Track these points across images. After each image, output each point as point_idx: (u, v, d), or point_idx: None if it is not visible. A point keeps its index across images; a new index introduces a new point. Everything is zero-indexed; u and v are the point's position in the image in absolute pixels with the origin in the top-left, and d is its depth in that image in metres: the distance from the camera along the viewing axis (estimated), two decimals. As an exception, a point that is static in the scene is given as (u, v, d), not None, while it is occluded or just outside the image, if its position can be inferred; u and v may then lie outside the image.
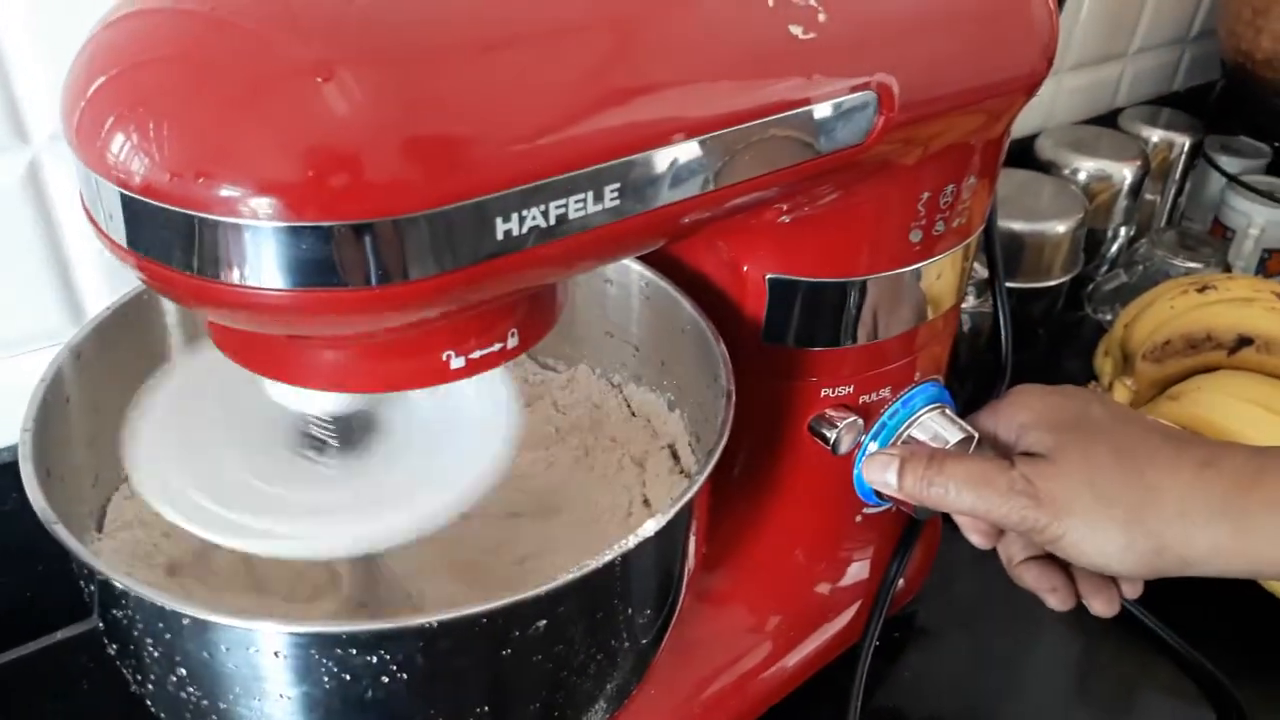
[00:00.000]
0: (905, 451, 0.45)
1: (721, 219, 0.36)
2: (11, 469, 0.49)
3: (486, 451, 0.35)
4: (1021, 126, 0.88)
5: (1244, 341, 0.64)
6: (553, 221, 0.28)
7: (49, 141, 0.45)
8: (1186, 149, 0.90)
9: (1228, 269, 0.80)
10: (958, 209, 0.43)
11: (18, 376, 0.36)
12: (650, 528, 0.32)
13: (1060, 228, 0.75)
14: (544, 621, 0.31)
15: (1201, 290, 0.68)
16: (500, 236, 0.28)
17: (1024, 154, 0.86)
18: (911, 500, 0.45)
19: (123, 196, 0.26)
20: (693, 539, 0.39)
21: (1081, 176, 0.82)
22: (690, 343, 0.44)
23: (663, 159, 0.30)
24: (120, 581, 0.29)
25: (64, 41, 0.43)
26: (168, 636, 0.31)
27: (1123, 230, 0.86)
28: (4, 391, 0.37)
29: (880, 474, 0.45)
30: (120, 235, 0.28)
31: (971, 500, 0.42)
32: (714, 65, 0.31)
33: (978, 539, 0.47)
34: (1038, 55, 0.42)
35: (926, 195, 0.41)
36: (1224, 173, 0.89)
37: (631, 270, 0.46)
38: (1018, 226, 0.75)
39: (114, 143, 0.26)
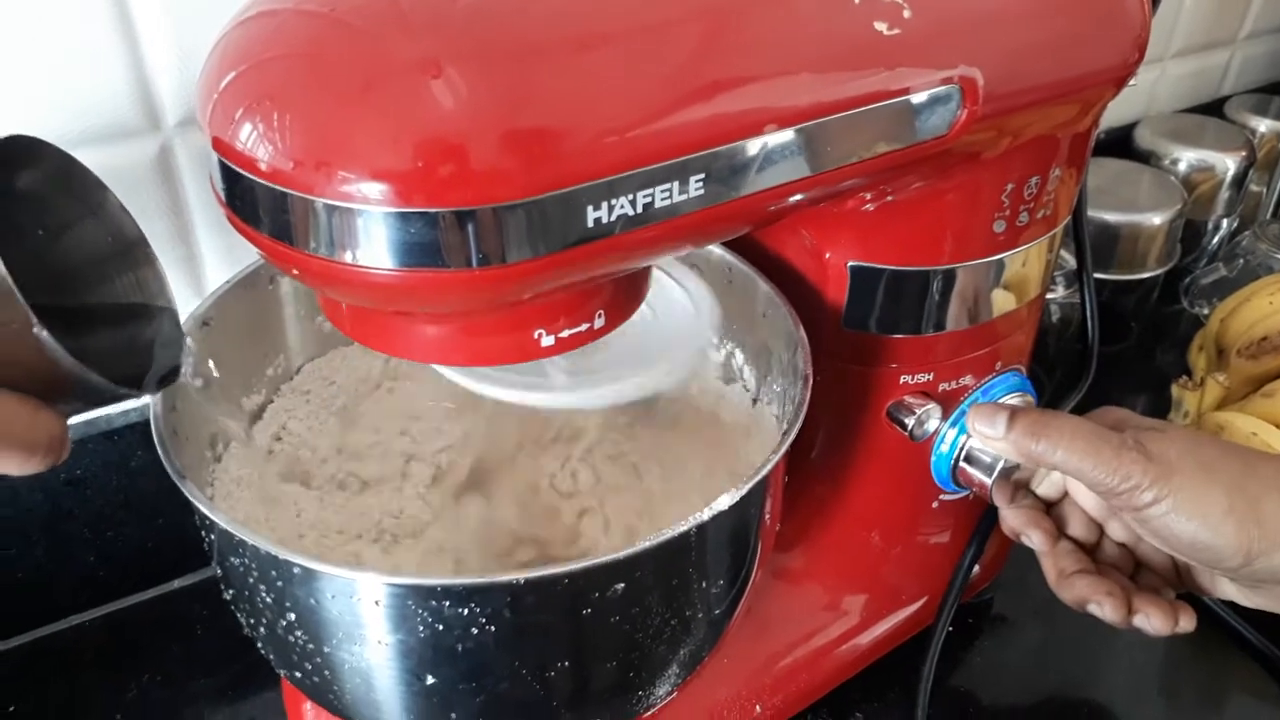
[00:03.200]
0: (1017, 404, 0.45)
1: (805, 207, 0.38)
2: (139, 429, 0.54)
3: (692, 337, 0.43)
4: (1121, 115, 0.87)
5: (1345, 339, 0.62)
6: (639, 210, 0.30)
7: (178, 128, 0.48)
8: (1296, 139, 0.87)
9: (1335, 264, 0.77)
10: (1043, 200, 0.44)
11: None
12: (724, 502, 0.34)
13: (1156, 219, 0.74)
14: (621, 585, 0.33)
15: (1303, 286, 0.66)
16: (590, 224, 0.29)
17: (1123, 143, 0.84)
18: (1015, 452, 0.43)
19: (249, 180, 0.29)
20: (767, 515, 0.40)
21: (1181, 167, 0.80)
22: (770, 326, 0.45)
23: (745, 152, 0.31)
24: (238, 532, 0.32)
25: (193, 38, 0.46)
26: (279, 584, 0.34)
27: (1224, 222, 0.84)
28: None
29: (987, 423, 0.44)
30: (246, 215, 0.30)
31: (1080, 455, 0.40)
32: (797, 60, 0.32)
33: (1037, 538, 0.46)
34: (1128, 47, 0.42)
35: (1011, 186, 0.42)
36: (1336, 164, 0.86)
37: (714, 253, 0.47)
38: (1112, 217, 0.74)
39: (243, 131, 0.29)
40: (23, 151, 0.31)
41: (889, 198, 0.41)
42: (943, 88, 0.35)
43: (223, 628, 0.56)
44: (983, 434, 0.44)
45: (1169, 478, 0.39)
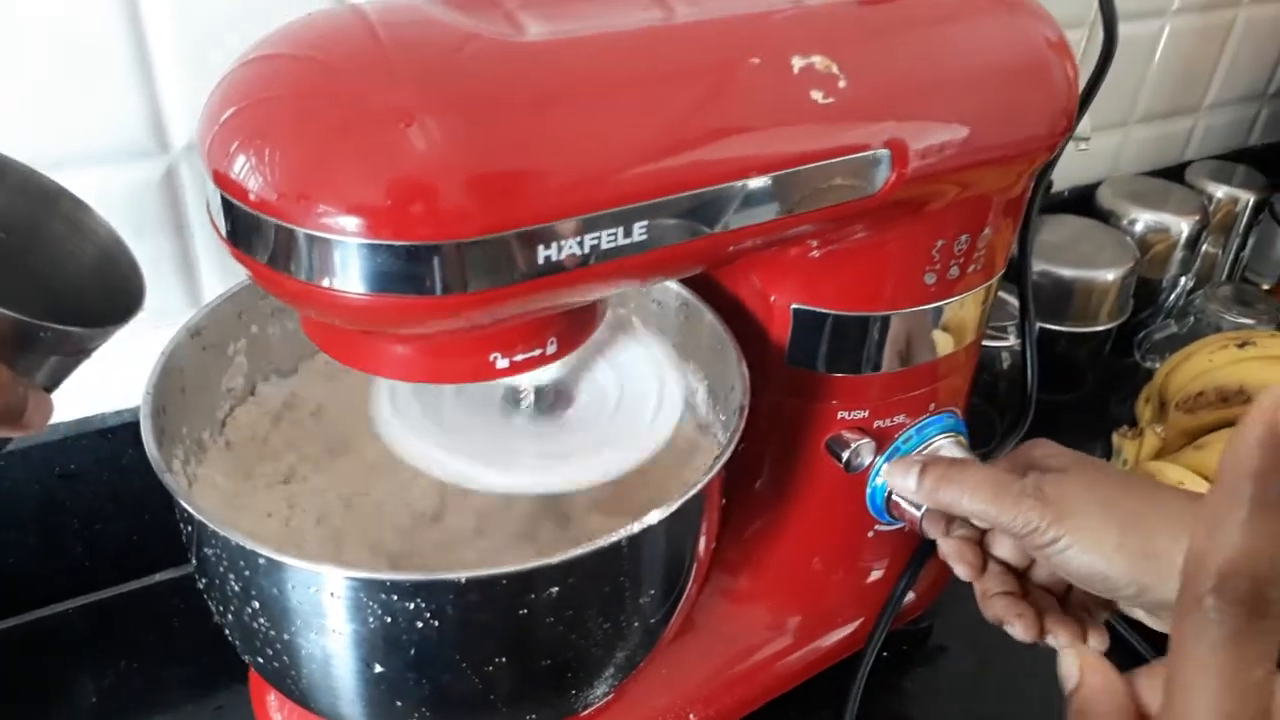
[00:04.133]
0: (927, 457, 0.49)
1: (748, 254, 0.41)
2: (132, 428, 0.57)
3: (653, 427, 0.44)
4: (1085, 175, 0.91)
5: (1275, 398, 0.66)
6: (587, 250, 0.34)
7: (185, 152, 0.52)
8: (1251, 205, 0.91)
9: (1279, 327, 0.81)
10: (974, 256, 0.47)
11: (141, 348, 0.43)
12: (654, 516, 0.37)
13: (1109, 275, 0.78)
14: (556, 589, 0.36)
15: (1241, 346, 0.70)
16: (541, 260, 0.33)
17: (1086, 201, 0.88)
18: (928, 502, 0.48)
19: (239, 208, 0.33)
20: (702, 533, 0.43)
21: (1138, 227, 0.84)
22: (718, 358, 0.48)
23: (686, 203, 0.35)
24: (212, 524, 0.36)
25: (201, 73, 0.50)
26: (247, 573, 0.37)
27: (1181, 281, 0.88)
28: (130, 360, 0.44)
29: (901, 476, 0.48)
30: (236, 239, 0.34)
31: (984, 502, 0.44)
32: (737, 123, 0.36)
33: (963, 570, 0.49)
34: (1055, 116, 0.45)
35: (942, 243, 0.46)
36: (1289, 231, 0.90)
37: (670, 290, 0.51)
38: (1067, 272, 0.78)
39: (236, 164, 0.32)
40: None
41: (829, 248, 0.45)
42: (873, 151, 0.39)
43: (198, 621, 0.58)
44: (898, 486, 0.49)
45: (1064, 520, 0.42)
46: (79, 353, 0.36)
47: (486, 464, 0.41)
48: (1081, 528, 0.42)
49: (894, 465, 0.50)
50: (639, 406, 0.46)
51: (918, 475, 0.48)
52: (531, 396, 0.46)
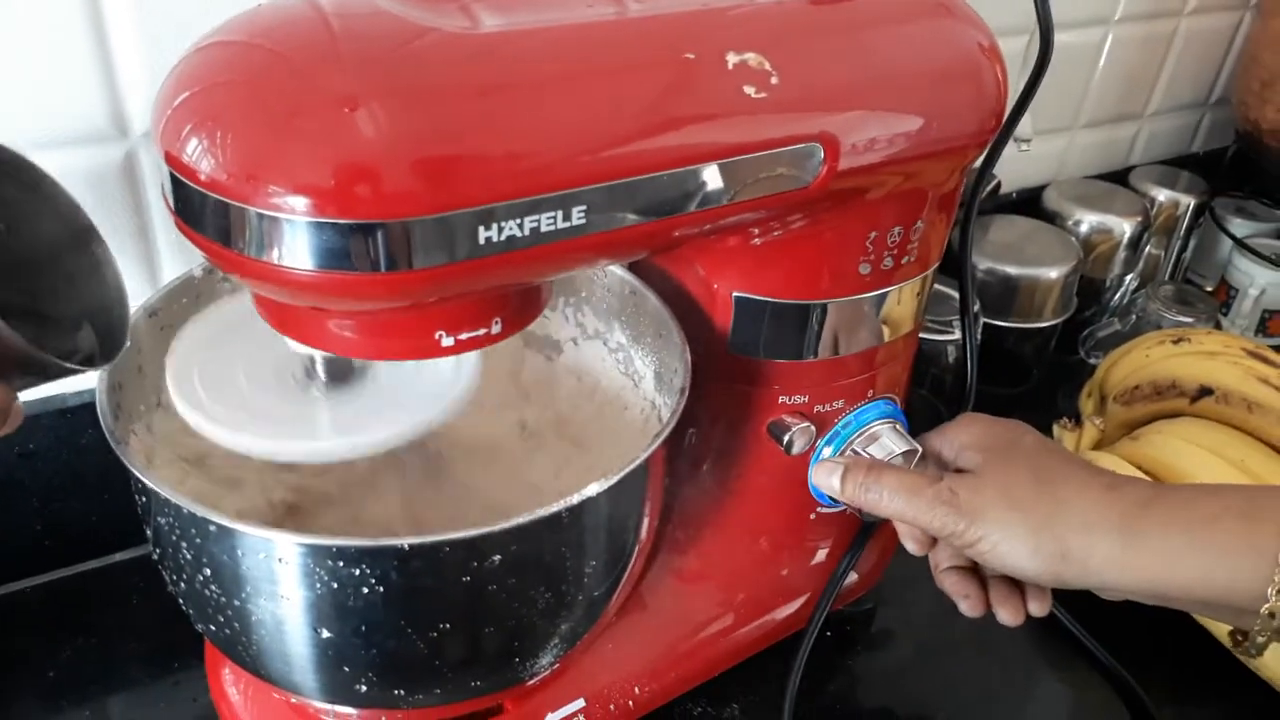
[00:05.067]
0: (849, 460, 0.51)
1: (688, 241, 0.43)
2: (91, 409, 0.58)
3: (440, 399, 0.44)
4: (1032, 177, 0.94)
5: (1205, 391, 0.68)
6: (526, 233, 0.35)
7: (143, 138, 0.53)
8: (1191, 209, 0.94)
9: (1218, 326, 0.84)
10: (907, 248, 0.49)
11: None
12: (594, 489, 0.39)
13: (1053, 274, 0.80)
14: (499, 557, 0.38)
15: (1176, 342, 0.72)
16: (482, 241, 0.35)
17: (1033, 203, 0.91)
18: (851, 503, 0.51)
19: (191, 188, 0.34)
20: (645, 508, 0.45)
21: (1083, 228, 0.87)
22: (664, 343, 0.50)
23: (623, 190, 0.37)
24: (163, 491, 0.37)
25: (161, 57, 0.51)
26: (198, 541, 0.39)
27: (1126, 280, 0.91)
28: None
29: (826, 478, 0.52)
30: (189, 218, 0.35)
31: (901, 506, 0.48)
32: (672, 115, 0.38)
33: (912, 545, 0.53)
34: (985, 115, 0.47)
35: (875, 234, 0.48)
36: (1229, 234, 0.93)
37: (617, 275, 0.53)
38: (1012, 270, 0.81)
39: (189, 146, 0.34)
40: None
41: (768, 238, 0.47)
42: (804, 145, 0.41)
43: (156, 599, 0.60)
44: (824, 486, 0.52)
45: (977, 521, 0.45)
46: (61, 376, 0.38)
47: (289, 436, 0.41)
48: (995, 529, 0.45)
49: (819, 467, 0.52)
50: (437, 364, 0.46)
51: (840, 478, 0.50)
52: (321, 367, 0.45)
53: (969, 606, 0.51)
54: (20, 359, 0.35)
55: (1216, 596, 0.42)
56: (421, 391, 0.44)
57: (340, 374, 0.45)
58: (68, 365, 0.36)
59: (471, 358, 0.46)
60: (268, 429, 0.41)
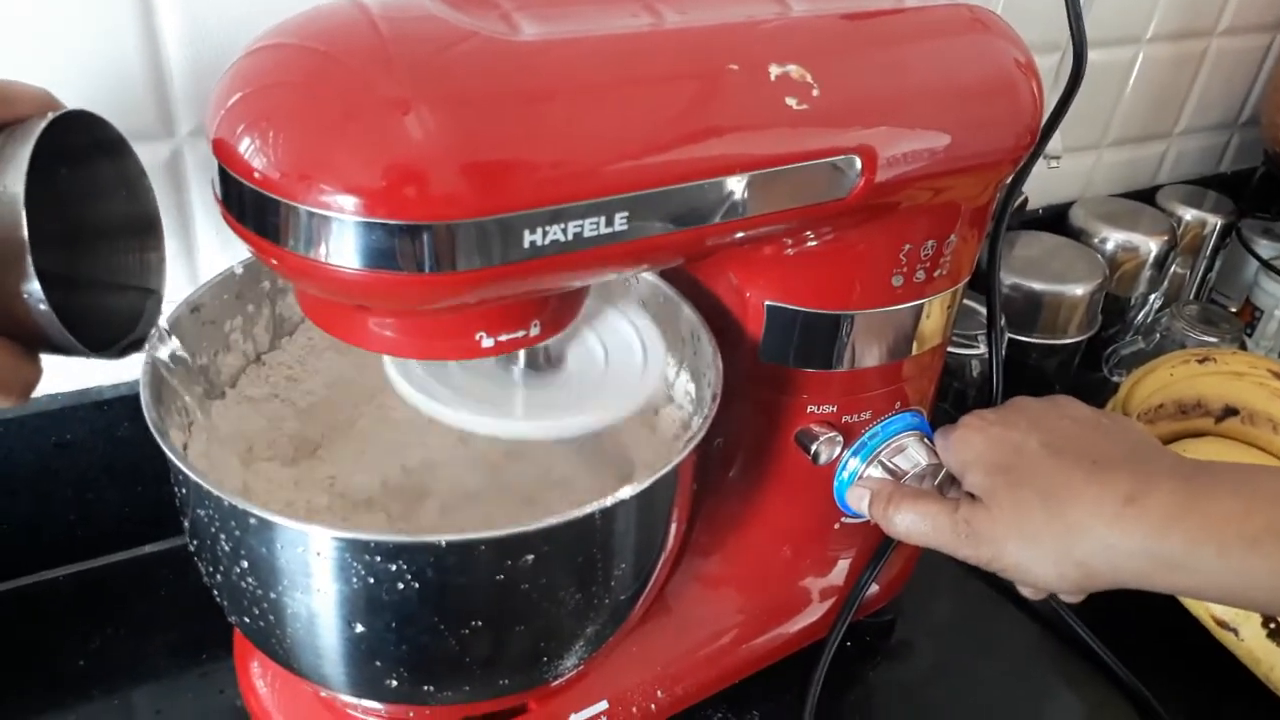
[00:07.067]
0: (875, 485, 0.52)
1: (725, 249, 0.44)
2: (129, 401, 0.59)
3: (642, 380, 0.48)
4: (1060, 194, 0.94)
5: (1230, 412, 0.68)
6: (570, 237, 0.36)
7: (189, 136, 0.54)
8: (1218, 229, 0.94)
9: (1242, 346, 0.84)
10: (939, 262, 0.50)
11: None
12: (627, 491, 0.39)
13: (1078, 290, 0.81)
14: (531, 556, 0.38)
15: (1202, 361, 0.72)
16: (527, 245, 0.35)
17: (1060, 220, 0.91)
18: (880, 525, 0.51)
19: (243, 184, 0.35)
20: (675, 513, 0.46)
21: (1108, 246, 0.87)
22: (695, 351, 0.51)
23: (665, 197, 0.37)
24: (204, 483, 0.38)
25: (207, 60, 0.52)
26: (237, 533, 0.39)
27: (1151, 298, 0.91)
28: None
29: (858, 501, 0.53)
30: (239, 214, 0.36)
31: (922, 538, 0.49)
32: (717, 124, 0.38)
33: None
34: (1020, 131, 0.47)
35: (908, 247, 0.48)
36: (1255, 255, 0.93)
37: (652, 284, 0.53)
38: (1038, 286, 0.81)
39: (242, 145, 0.34)
40: (85, 123, 0.37)
41: (801, 248, 0.47)
42: (843, 156, 0.41)
43: (186, 591, 0.61)
44: (858, 509, 0.53)
45: (998, 554, 0.46)
46: (75, 356, 0.38)
47: (489, 413, 0.44)
48: (1014, 557, 0.46)
49: (853, 489, 0.54)
50: (627, 362, 0.49)
51: (868, 505, 0.52)
52: (521, 358, 0.48)
53: None
54: (54, 342, 0.36)
55: (1257, 608, 0.42)
56: (610, 388, 0.48)
57: (536, 364, 0.48)
58: (90, 352, 0.37)
59: (657, 356, 0.49)
60: (472, 406, 0.44)
